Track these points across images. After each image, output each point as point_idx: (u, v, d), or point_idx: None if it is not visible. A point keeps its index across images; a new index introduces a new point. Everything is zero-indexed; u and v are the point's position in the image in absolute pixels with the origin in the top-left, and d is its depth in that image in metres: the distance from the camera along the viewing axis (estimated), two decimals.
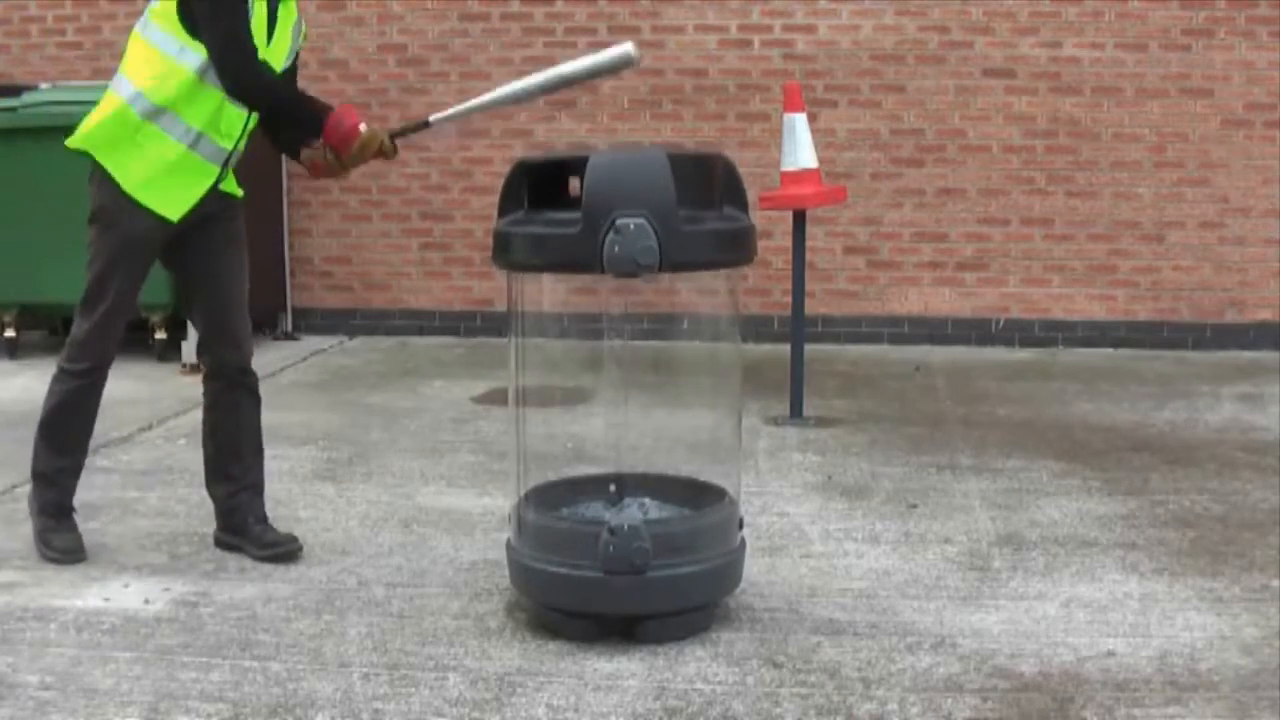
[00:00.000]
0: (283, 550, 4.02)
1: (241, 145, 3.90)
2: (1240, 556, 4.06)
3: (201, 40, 3.70)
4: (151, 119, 3.77)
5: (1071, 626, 3.53)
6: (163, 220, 3.85)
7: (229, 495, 4.09)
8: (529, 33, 7.72)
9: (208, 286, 4.02)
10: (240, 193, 4.03)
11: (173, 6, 3.72)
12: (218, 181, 3.90)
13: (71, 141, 3.88)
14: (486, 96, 3.96)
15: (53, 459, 4.05)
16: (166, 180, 3.81)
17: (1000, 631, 3.50)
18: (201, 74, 3.73)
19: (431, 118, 3.95)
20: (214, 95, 3.75)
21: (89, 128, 3.86)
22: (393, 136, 3.88)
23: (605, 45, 7.96)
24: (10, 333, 7.17)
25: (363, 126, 3.78)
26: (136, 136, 3.78)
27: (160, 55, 3.76)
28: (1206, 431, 5.60)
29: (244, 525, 4.06)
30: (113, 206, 3.83)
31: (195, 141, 3.80)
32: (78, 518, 4.11)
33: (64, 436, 4.03)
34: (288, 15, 3.89)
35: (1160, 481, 4.86)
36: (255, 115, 3.87)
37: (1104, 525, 4.37)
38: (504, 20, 7.74)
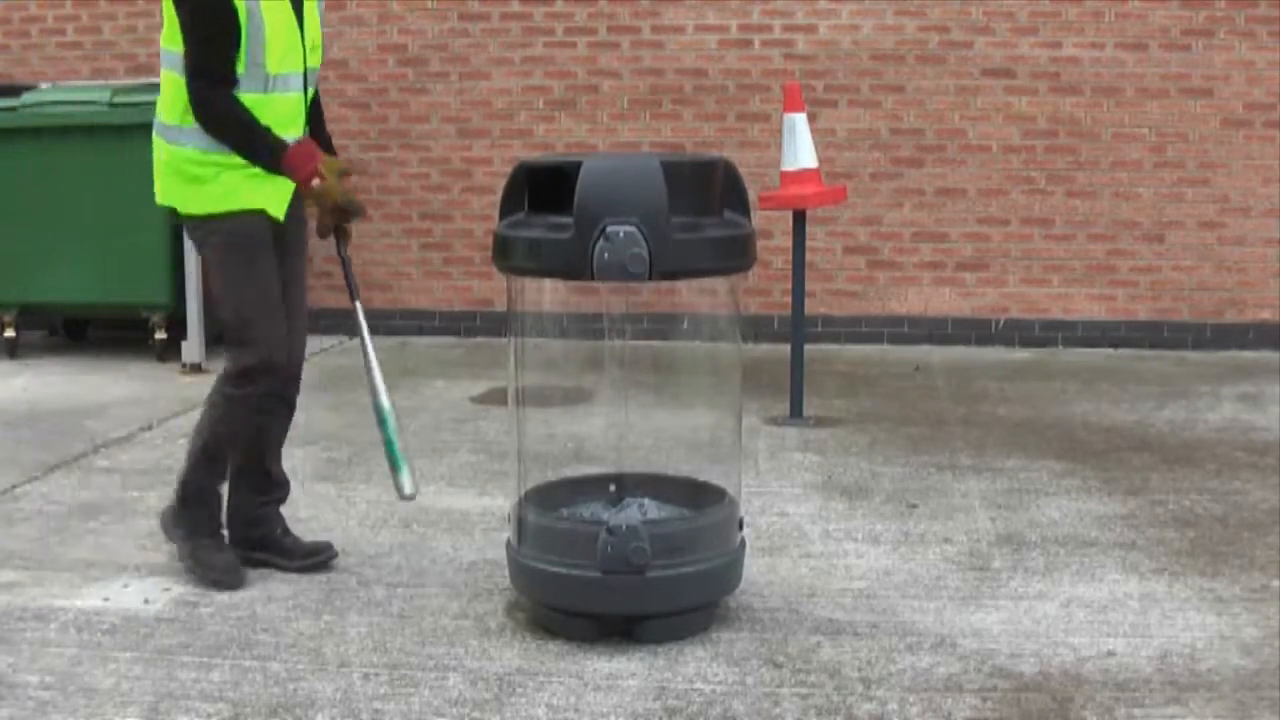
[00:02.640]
0: (323, 559, 3.96)
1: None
2: (1240, 556, 4.06)
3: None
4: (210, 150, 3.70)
5: (1071, 626, 3.53)
6: (268, 218, 3.76)
7: (258, 506, 3.98)
8: (529, 33, 7.72)
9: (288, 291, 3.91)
10: None
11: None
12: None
13: (163, 201, 3.87)
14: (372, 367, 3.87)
15: (213, 479, 3.89)
16: (257, 184, 3.73)
17: (1000, 631, 3.50)
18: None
19: (358, 305, 3.89)
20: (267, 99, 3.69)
21: (166, 186, 3.82)
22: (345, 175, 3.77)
23: (605, 46, 8.01)
24: (10, 333, 7.17)
25: (315, 182, 3.67)
26: (201, 172, 3.72)
27: (171, 79, 3.75)
28: (1206, 431, 5.60)
29: (271, 538, 3.97)
30: (221, 233, 3.75)
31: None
32: (80, 519, 4.12)
33: (227, 458, 3.90)
34: (312, 6, 3.83)
35: (1160, 481, 4.86)
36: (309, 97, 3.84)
37: (1104, 525, 4.37)
38: (504, 20, 7.74)
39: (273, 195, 3.75)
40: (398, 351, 7.47)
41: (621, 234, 3.17)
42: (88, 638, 3.48)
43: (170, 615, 3.62)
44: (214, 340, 7.11)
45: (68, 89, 7.14)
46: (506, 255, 3.42)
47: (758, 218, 3.54)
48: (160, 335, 6.95)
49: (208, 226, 3.75)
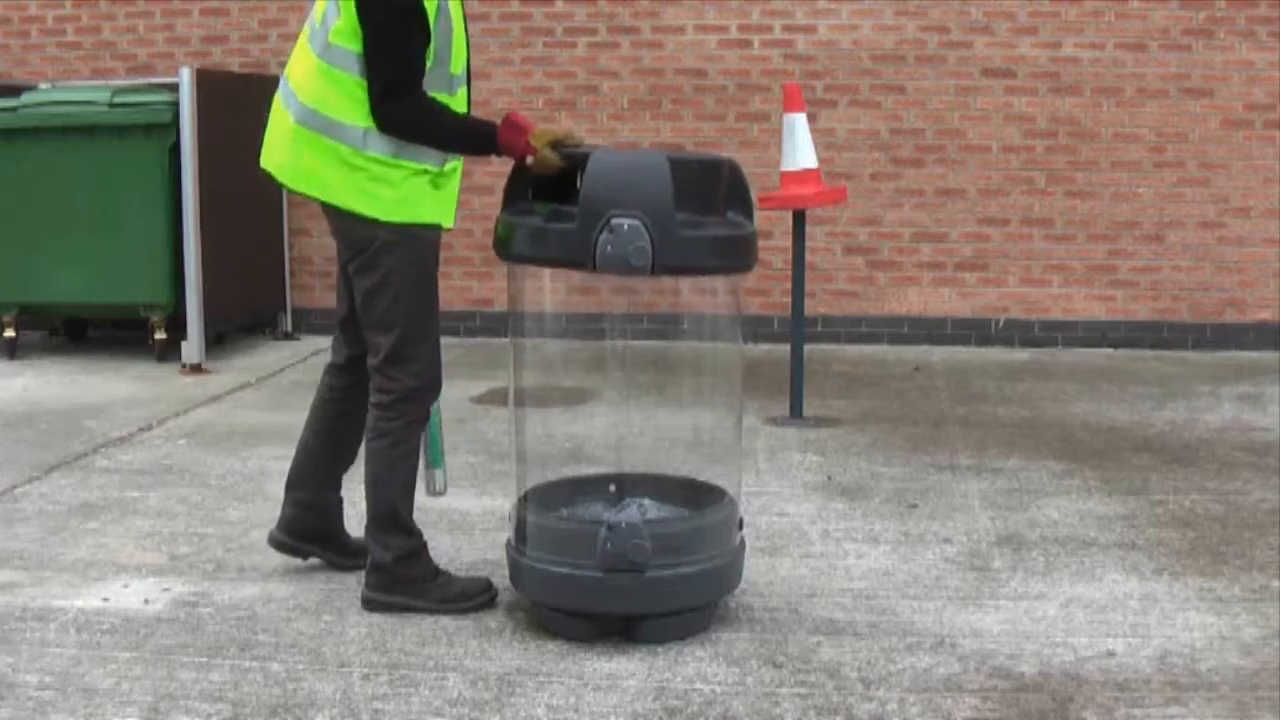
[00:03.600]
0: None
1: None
2: (1240, 556, 4.06)
3: (366, 61, 3.43)
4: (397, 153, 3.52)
5: (1071, 626, 3.53)
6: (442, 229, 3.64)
7: (329, 498, 3.90)
8: (529, 33, 7.72)
9: None
10: None
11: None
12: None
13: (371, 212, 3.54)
14: None
15: (411, 523, 3.71)
16: (433, 194, 3.59)
17: (1000, 631, 3.50)
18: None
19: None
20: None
21: (335, 180, 3.52)
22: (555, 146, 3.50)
23: (605, 46, 7.99)
24: (10, 333, 7.17)
25: (529, 160, 3.50)
26: (392, 175, 3.51)
27: (339, 77, 3.50)
28: (1206, 431, 5.60)
29: (334, 531, 3.91)
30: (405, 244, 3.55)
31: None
32: (80, 519, 4.12)
33: (413, 489, 3.71)
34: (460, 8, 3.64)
35: (1160, 481, 4.86)
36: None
37: (1104, 525, 4.37)
38: (504, 20, 7.74)
39: (445, 206, 3.62)
40: None
41: (626, 226, 3.17)
42: (87, 638, 3.48)
43: (170, 615, 3.62)
44: (213, 340, 7.12)
45: (68, 89, 7.14)
46: (508, 243, 3.41)
47: (758, 218, 3.53)
48: (160, 335, 6.95)
49: (388, 233, 3.51)
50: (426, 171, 3.52)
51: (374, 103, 3.44)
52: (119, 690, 3.16)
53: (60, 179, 6.82)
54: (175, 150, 6.70)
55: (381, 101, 3.43)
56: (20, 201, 6.89)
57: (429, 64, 3.45)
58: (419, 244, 3.56)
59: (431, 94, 3.49)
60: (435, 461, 3.74)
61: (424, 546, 3.72)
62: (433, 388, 3.65)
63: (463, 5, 3.62)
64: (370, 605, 3.65)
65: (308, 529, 3.91)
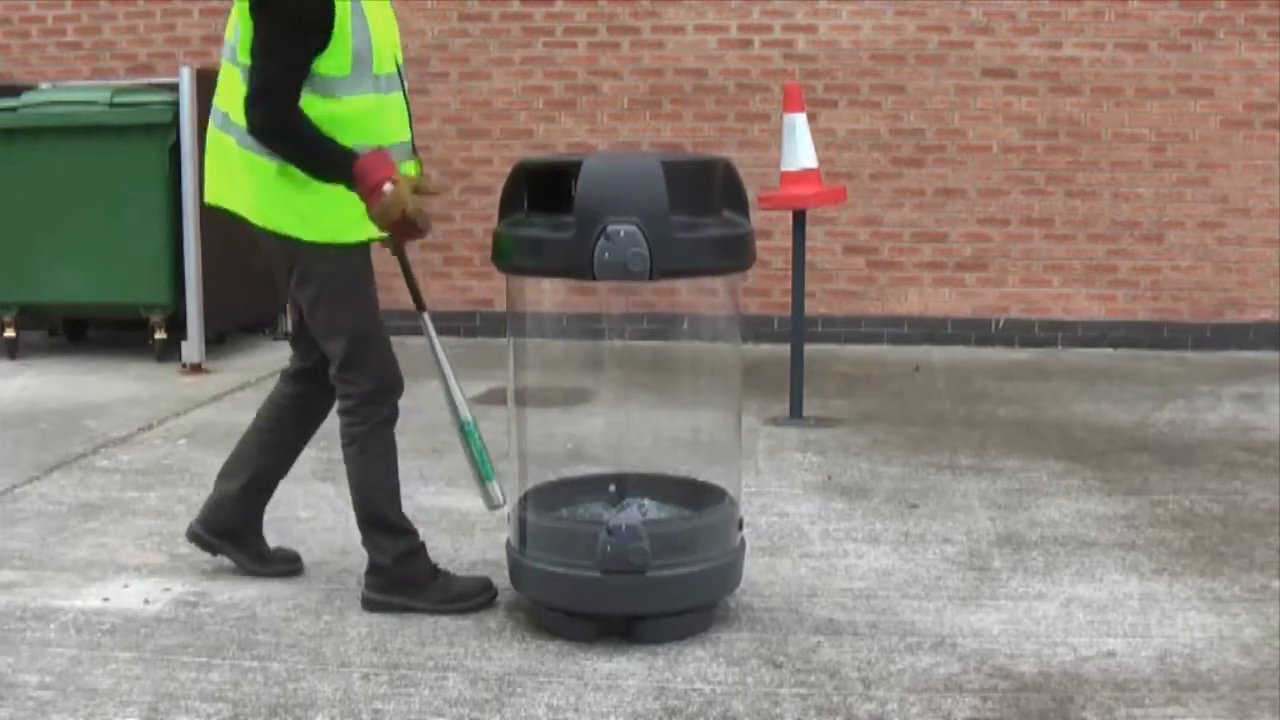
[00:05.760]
0: (298, 567, 3.96)
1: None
2: (1240, 556, 4.06)
3: (251, 57, 3.37)
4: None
5: (1071, 626, 3.53)
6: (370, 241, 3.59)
7: (250, 498, 3.88)
8: (529, 33, 7.72)
9: None
10: None
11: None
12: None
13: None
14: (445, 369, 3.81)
15: (399, 518, 3.70)
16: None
17: (1000, 631, 3.50)
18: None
19: (426, 317, 3.82)
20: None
21: (261, 201, 3.47)
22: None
23: (605, 46, 7.99)
24: (10, 333, 7.17)
25: (387, 187, 3.31)
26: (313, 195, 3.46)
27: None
28: (1206, 431, 5.60)
29: (247, 533, 3.91)
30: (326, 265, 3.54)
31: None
32: (80, 519, 4.11)
33: (398, 487, 3.71)
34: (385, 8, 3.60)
35: (1160, 481, 4.86)
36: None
37: (1104, 525, 4.37)
38: (504, 20, 7.74)
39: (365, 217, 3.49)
40: (398, 351, 7.46)
41: (622, 233, 3.17)
42: (87, 638, 3.48)
43: (170, 615, 3.62)
44: (213, 340, 7.12)
45: (68, 89, 7.14)
46: (507, 255, 3.42)
47: (758, 218, 3.53)
48: (160, 335, 6.95)
49: (312, 245, 3.49)
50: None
51: (246, 102, 3.34)
52: (119, 690, 3.16)
53: (60, 179, 6.82)
54: (175, 150, 6.70)
55: (252, 103, 3.33)
56: (20, 202, 6.89)
57: (348, 67, 3.37)
58: (346, 251, 3.53)
59: (357, 94, 3.40)
60: (487, 475, 3.69)
61: (421, 547, 3.71)
62: (391, 388, 3.68)
63: (389, 2, 3.58)
64: (370, 606, 3.65)
65: (222, 523, 3.86)
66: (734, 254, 3.40)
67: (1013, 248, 7.54)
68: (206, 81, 6.77)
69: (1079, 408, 6.04)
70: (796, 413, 5.77)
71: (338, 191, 3.39)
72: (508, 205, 3.50)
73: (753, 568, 3.79)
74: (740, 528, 3.60)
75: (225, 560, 4.02)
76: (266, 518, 4.00)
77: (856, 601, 3.72)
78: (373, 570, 3.67)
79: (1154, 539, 4.23)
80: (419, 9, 7.77)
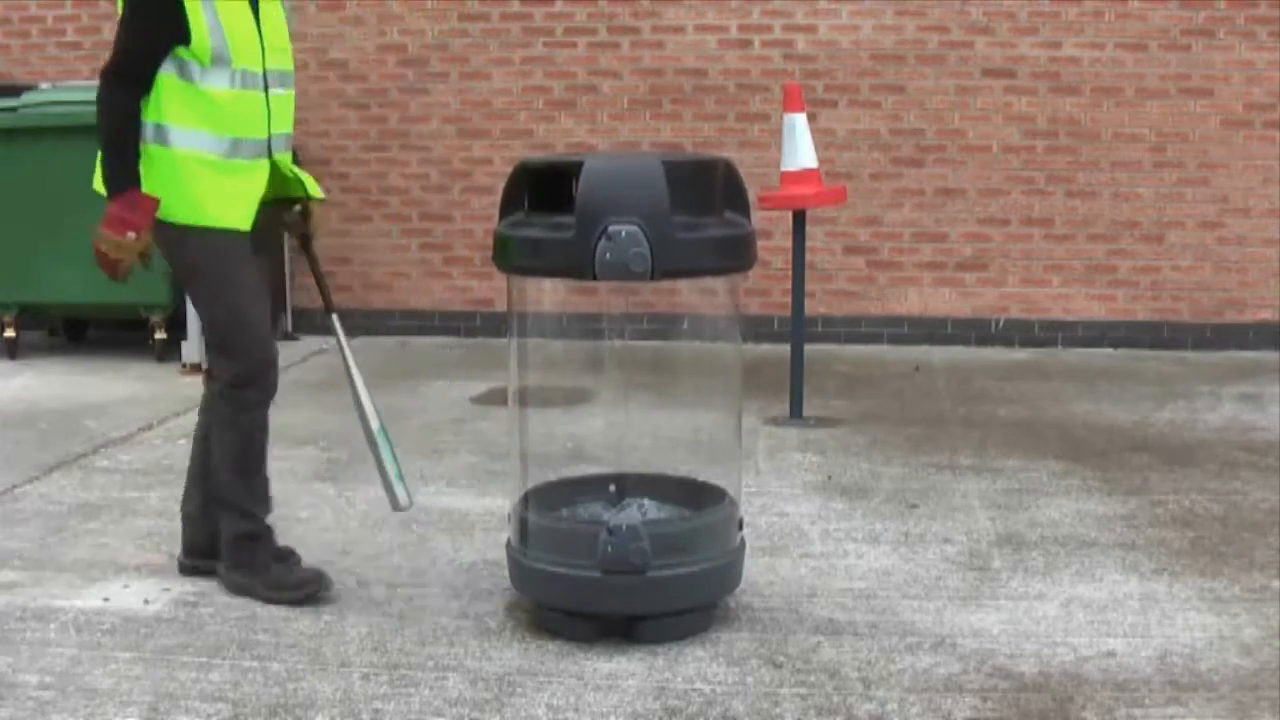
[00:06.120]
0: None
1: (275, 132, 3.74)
2: (1240, 556, 4.06)
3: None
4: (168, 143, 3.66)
5: (1071, 626, 3.53)
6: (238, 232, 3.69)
7: (212, 512, 3.84)
8: (529, 33, 7.72)
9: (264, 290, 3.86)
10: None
11: None
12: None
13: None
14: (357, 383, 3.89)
15: (250, 503, 3.76)
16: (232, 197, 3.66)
17: (1000, 631, 3.50)
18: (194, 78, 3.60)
19: (334, 317, 3.89)
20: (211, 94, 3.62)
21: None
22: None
23: (605, 46, 8.00)
24: (10, 333, 7.17)
25: (130, 234, 3.67)
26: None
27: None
28: (1206, 431, 5.60)
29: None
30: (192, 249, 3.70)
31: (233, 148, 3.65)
32: (80, 519, 4.11)
33: (256, 475, 3.79)
34: (272, 8, 3.77)
35: (1160, 481, 4.86)
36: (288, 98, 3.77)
37: (1104, 525, 4.37)
38: (504, 20, 7.74)
39: (233, 204, 3.67)
40: (398, 351, 7.47)
41: (624, 233, 3.17)
42: (87, 638, 3.48)
43: (170, 615, 3.62)
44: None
45: (68, 89, 7.13)
46: (508, 255, 3.42)
47: (758, 218, 3.53)
48: (160, 335, 6.95)
49: (178, 230, 3.70)
50: (202, 160, 3.61)
51: (104, 74, 3.68)
52: (119, 690, 3.16)
53: (61, 179, 6.80)
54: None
55: (102, 74, 3.67)
56: (20, 201, 6.88)
57: (207, 59, 3.55)
58: (209, 235, 3.65)
59: (216, 88, 3.58)
60: (398, 477, 3.79)
61: (264, 533, 3.77)
62: (262, 372, 3.71)
63: (254, 8, 3.69)
64: (221, 580, 3.78)
65: (199, 545, 3.88)
66: (735, 254, 3.40)
67: (1013, 248, 7.54)
68: None
69: (1079, 408, 6.05)
70: (796, 413, 5.77)
71: (196, 176, 3.62)
72: (508, 205, 3.50)
73: (753, 568, 3.79)
74: (740, 528, 3.60)
75: None
76: (267, 518, 4.01)
77: (856, 601, 3.72)
78: (224, 544, 3.76)
79: (1154, 539, 4.23)
80: (419, 9, 7.77)
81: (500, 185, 3.58)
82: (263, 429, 3.79)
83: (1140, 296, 7.49)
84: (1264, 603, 3.69)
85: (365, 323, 7.90)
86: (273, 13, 3.79)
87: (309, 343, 7.68)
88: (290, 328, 7.93)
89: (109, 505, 4.61)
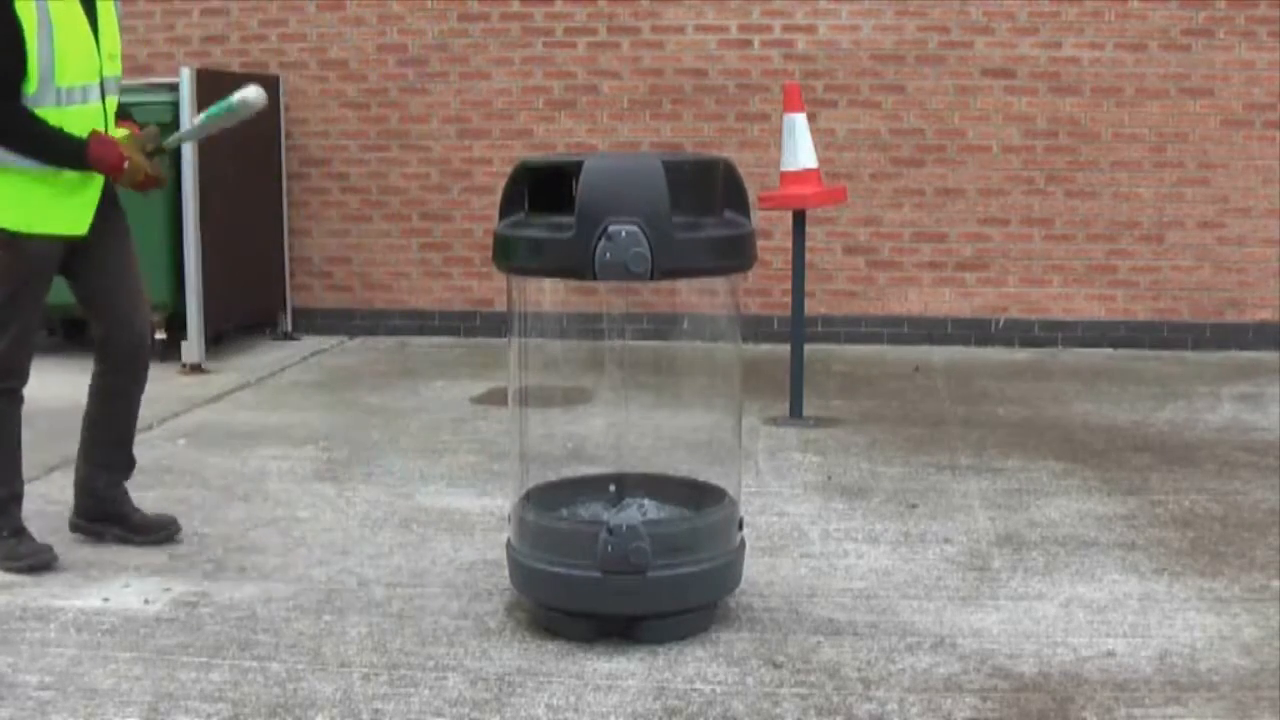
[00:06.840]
0: (170, 533, 4.16)
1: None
2: (1240, 556, 4.06)
3: None
4: None
5: (1071, 626, 3.53)
6: (67, 238, 3.89)
7: (96, 478, 4.16)
8: (529, 33, 7.72)
9: (124, 277, 4.07)
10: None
11: None
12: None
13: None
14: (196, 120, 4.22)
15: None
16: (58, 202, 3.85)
17: (1000, 631, 3.50)
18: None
19: (165, 141, 4.04)
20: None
21: None
22: (151, 154, 3.92)
23: (605, 46, 8.00)
24: None
25: (125, 164, 3.82)
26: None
27: None
28: (1206, 431, 5.60)
29: (122, 513, 4.17)
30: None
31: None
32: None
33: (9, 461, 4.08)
34: (108, 9, 3.89)
35: (1160, 481, 4.86)
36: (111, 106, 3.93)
37: (1104, 525, 4.37)
38: (504, 20, 7.74)
39: (76, 214, 3.87)
40: (398, 351, 7.47)
41: (624, 233, 3.17)
42: (88, 638, 3.47)
43: (170, 615, 3.62)
44: (213, 340, 7.12)
45: None
46: (508, 255, 3.42)
47: (758, 218, 3.53)
48: (160, 335, 6.94)
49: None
50: (25, 175, 3.75)
51: None
52: (119, 690, 3.16)
53: None
54: (175, 150, 6.69)
55: None
56: None
57: (34, 85, 3.68)
58: (14, 244, 3.80)
59: (43, 108, 3.71)
60: (228, 105, 4.07)
61: (8, 500, 4.00)
62: (12, 375, 4.09)
63: (91, 17, 3.81)
64: None
65: (87, 510, 4.17)
66: (735, 254, 3.40)
67: (1013, 248, 7.54)
68: (207, 81, 6.82)
69: (1079, 408, 6.05)
70: (796, 413, 5.77)
71: (29, 189, 3.77)
72: (508, 205, 3.50)
73: (753, 568, 3.79)
74: (740, 528, 3.60)
75: (225, 560, 4.03)
76: (268, 516, 4.01)
77: (856, 601, 3.72)
78: None
79: (1154, 539, 4.23)
80: (419, 9, 7.77)
81: (500, 185, 3.58)
82: (16, 420, 4.15)
83: (1140, 296, 7.49)
84: (1264, 603, 3.69)
85: (365, 323, 7.91)
86: (109, 20, 3.91)
87: (309, 342, 7.69)
88: (290, 328, 7.93)
89: None
